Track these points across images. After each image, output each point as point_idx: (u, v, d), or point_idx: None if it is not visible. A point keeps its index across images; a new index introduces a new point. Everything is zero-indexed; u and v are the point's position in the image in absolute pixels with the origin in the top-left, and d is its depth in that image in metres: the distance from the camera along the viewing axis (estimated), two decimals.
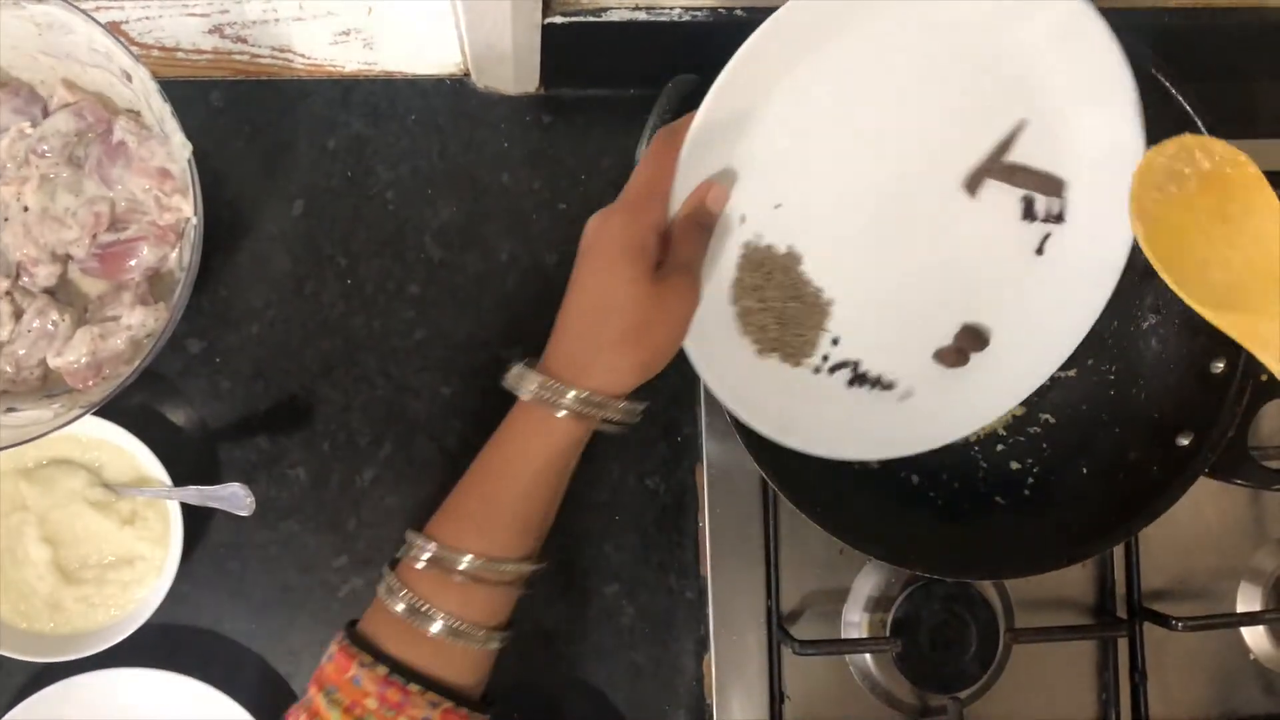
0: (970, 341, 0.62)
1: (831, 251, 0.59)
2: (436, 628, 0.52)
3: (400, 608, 0.53)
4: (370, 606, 0.56)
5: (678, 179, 0.54)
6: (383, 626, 0.54)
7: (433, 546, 0.53)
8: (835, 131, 0.56)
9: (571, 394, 0.52)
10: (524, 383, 0.54)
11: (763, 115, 0.55)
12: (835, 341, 0.61)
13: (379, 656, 0.53)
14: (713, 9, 0.67)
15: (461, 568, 0.53)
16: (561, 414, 0.53)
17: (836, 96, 0.55)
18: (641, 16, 0.67)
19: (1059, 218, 0.59)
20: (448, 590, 0.53)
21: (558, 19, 0.66)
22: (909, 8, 0.53)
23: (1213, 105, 0.61)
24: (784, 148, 0.56)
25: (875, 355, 0.61)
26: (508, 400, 0.75)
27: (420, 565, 0.53)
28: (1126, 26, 0.61)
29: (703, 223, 0.55)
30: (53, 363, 0.65)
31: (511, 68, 0.71)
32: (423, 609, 0.53)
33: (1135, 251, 0.68)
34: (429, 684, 0.52)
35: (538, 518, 0.55)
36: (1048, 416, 0.71)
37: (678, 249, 0.54)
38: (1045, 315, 0.61)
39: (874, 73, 0.55)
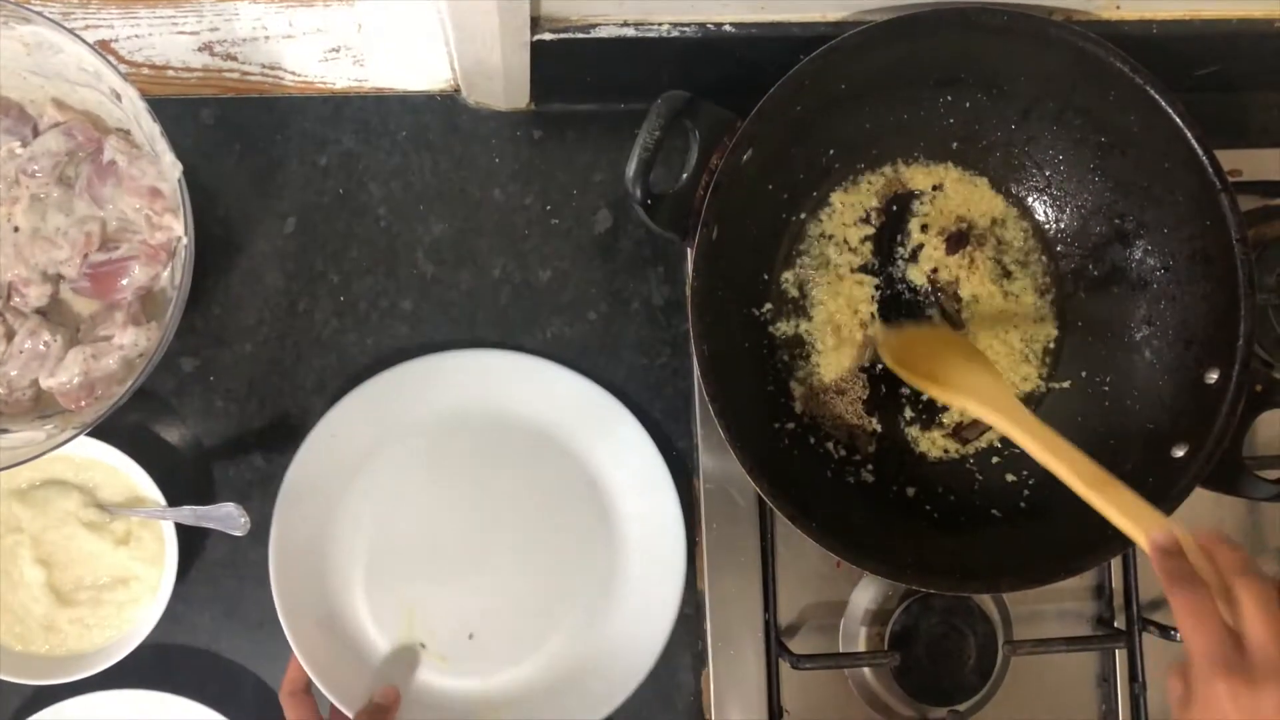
0: None
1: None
2: None
3: None
4: None
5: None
6: None
7: None
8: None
9: None
10: None
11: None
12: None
13: None
14: (701, 25, 0.67)
15: None
16: None
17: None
18: (630, 33, 0.67)
19: None
20: None
21: (547, 36, 0.66)
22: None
23: (1202, 116, 0.62)
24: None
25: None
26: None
27: None
28: (1114, 38, 0.62)
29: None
30: (45, 383, 0.65)
31: (501, 84, 0.71)
32: None
33: (1126, 262, 0.69)
34: None
35: None
36: None
37: None
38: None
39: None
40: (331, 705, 0.68)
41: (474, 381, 0.72)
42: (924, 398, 0.71)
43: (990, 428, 0.71)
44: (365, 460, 0.72)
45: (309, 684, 0.67)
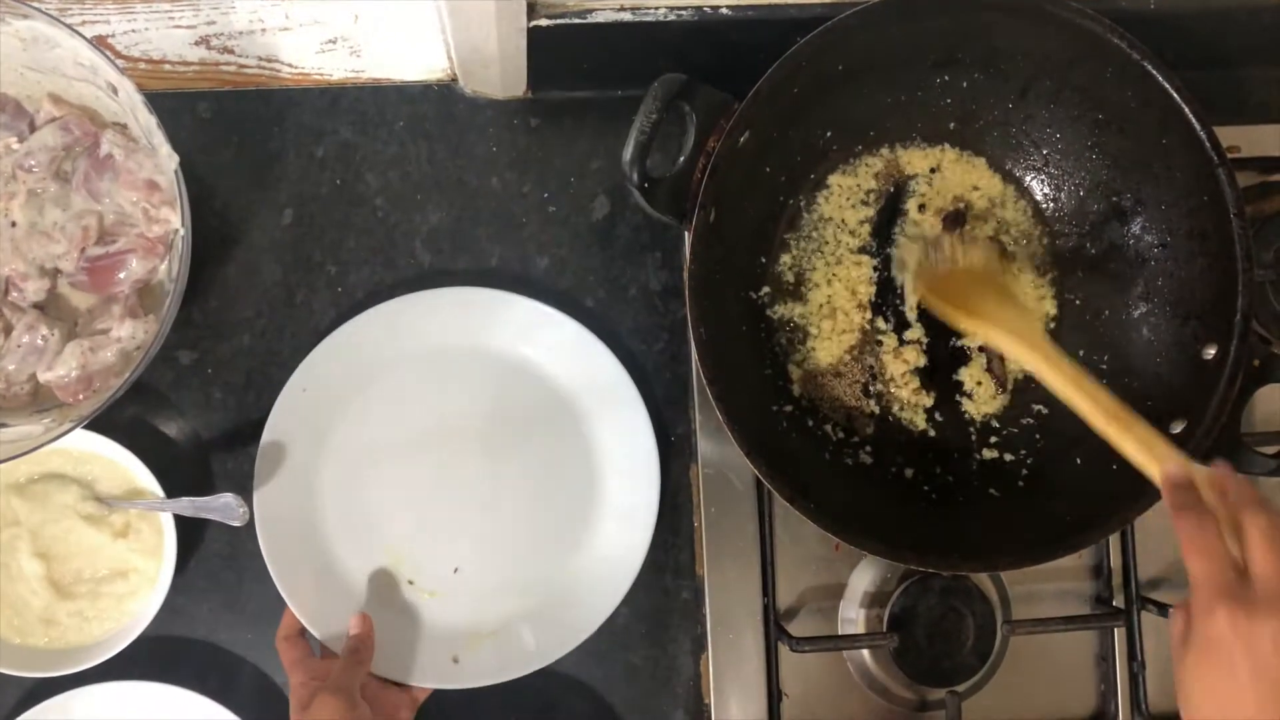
0: None
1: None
2: None
3: None
4: None
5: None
6: None
7: None
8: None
9: None
10: None
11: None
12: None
13: None
14: (698, 8, 0.67)
15: None
16: None
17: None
18: (627, 17, 0.67)
19: None
20: None
21: (543, 21, 0.66)
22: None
23: (1200, 92, 0.62)
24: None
25: None
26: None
27: None
28: (1112, 15, 0.62)
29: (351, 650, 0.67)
30: (43, 377, 0.65)
31: (498, 71, 0.71)
32: None
33: (1123, 239, 0.69)
34: None
35: None
36: (1040, 407, 0.71)
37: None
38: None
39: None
40: (323, 645, 0.69)
41: (441, 320, 0.73)
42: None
43: (976, 416, 0.72)
44: (340, 406, 0.72)
45: (302, 628, 0.68)
